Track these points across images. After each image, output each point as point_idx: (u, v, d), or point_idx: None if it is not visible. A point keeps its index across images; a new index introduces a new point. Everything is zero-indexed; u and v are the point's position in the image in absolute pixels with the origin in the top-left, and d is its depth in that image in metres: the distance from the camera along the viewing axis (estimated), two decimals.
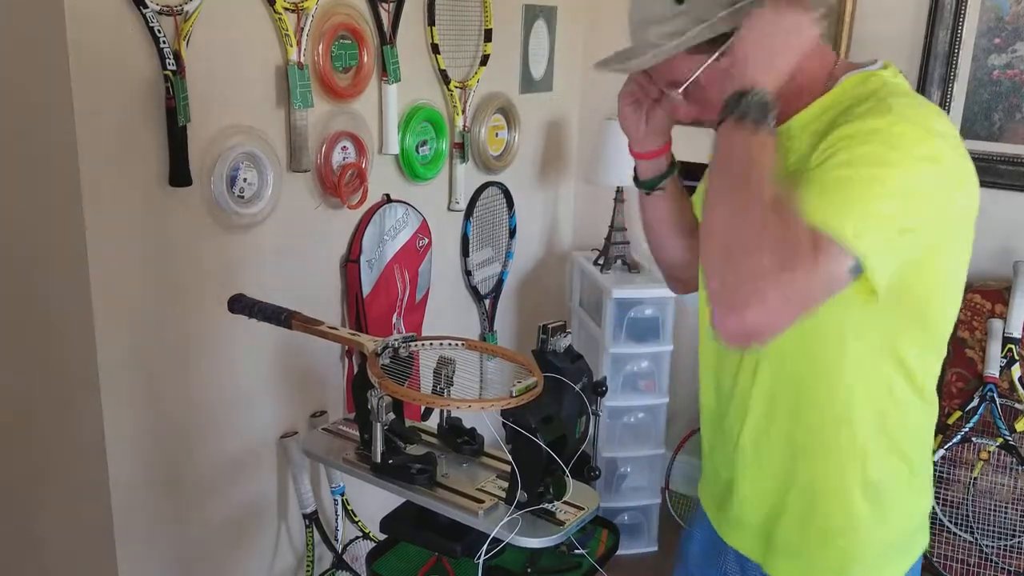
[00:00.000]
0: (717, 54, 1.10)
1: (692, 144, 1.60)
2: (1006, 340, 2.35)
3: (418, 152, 2.37)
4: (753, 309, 0.94)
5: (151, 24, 1.61)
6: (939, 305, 1.14)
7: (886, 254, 0.99)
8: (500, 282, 2.87)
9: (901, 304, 1.09)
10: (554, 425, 1.36)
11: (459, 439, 1.55)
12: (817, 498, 1.21)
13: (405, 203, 2.34)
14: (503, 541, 1.34)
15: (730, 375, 1.27)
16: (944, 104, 2.58)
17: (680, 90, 1.16)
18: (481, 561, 1.38)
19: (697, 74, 1.13)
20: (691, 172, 1.41)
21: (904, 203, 1.00)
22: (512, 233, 2.87)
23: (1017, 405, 2.33)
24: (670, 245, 1.42)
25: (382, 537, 1.65)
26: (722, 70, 1.09)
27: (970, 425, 2.32)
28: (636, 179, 1.37)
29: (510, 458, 1.39)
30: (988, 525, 2.33)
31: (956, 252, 1.12)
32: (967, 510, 2.35)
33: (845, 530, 1.21)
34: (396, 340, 1.52)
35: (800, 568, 1.26)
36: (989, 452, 2.33)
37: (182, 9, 1.67)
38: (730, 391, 1.27)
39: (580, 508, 1.41)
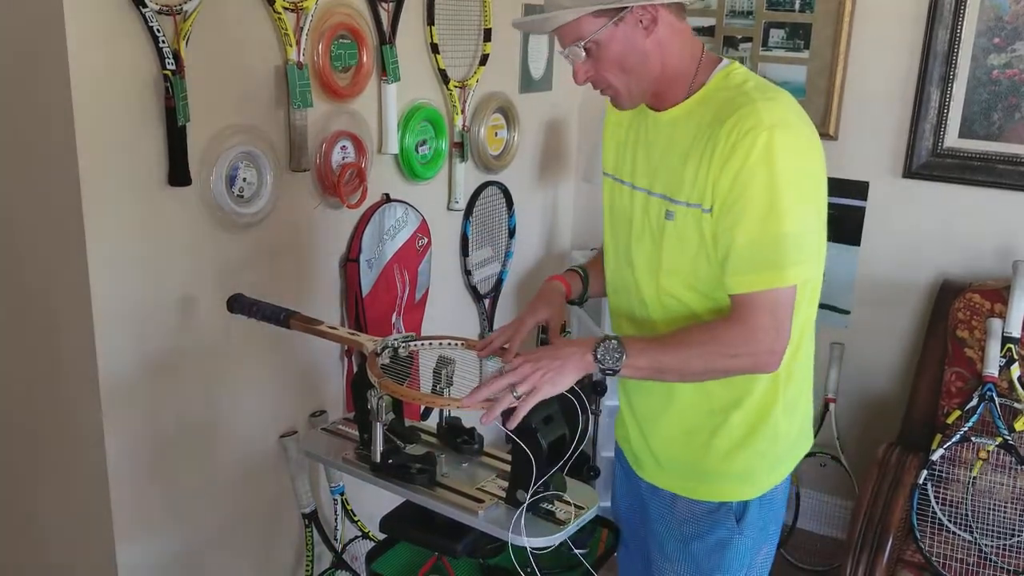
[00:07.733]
0: (615, 19, 1.31)
1: None
2: (1005, 339, 2.34)
3: (417, 152, 2.37)
4: (775, 362, 1.34)
5: (150, 23, 1.61)
6: None
7: (816, 255, 1.34)
8: (500, 282, 2.87)
9: None
10: (554, 425, 1.36)
11: (459, 439, 1.55)
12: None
13: (404, 203, 2.34)
14: (503, 541, 1.34)
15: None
16: (943, 104, 2.58)
17: (583, 44, 1.33)
18: (481, 561, 1.38)
19: (597, 34, 1.32)
20: None
21: (809, 205, 1.31)
22: (511, 233, 2.86)
23: (1016, 404, 2.33)
24: None
25: (381, 537, 1.65)
26: (618, 32, 1.32)
27: (969, 424, 2.31)
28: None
29: (510, 458, 1.39)
30: (987, 524, 2.33)
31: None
32: (966, 509, 2.34)
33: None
34: (395, 340, 1.52)
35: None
36: (988, 451, 2.33)
37: (181, 9, 1.67)
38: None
39: (580, 508, 1.41)
